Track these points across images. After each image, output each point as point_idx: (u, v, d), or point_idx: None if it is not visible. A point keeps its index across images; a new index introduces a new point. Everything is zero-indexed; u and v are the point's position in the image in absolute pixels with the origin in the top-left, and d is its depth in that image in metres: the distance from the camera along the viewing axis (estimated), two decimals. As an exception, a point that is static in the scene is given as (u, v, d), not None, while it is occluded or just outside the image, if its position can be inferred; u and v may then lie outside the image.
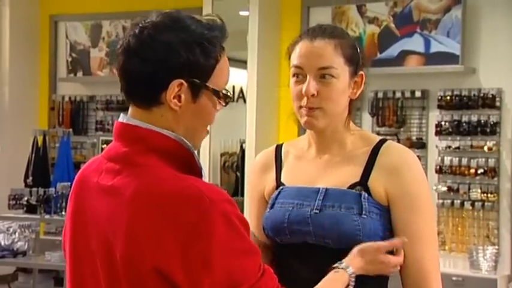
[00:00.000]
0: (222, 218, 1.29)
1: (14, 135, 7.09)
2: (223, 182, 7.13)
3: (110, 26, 7.10)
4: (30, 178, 6.13)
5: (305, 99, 1.64)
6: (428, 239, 1.62)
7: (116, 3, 7.07)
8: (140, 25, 1.38)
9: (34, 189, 5.67)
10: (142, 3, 6.81)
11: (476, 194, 5.55)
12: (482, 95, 5.55)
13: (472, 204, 5.56)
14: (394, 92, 5.87)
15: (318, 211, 1.61)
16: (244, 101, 6.47)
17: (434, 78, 5.73)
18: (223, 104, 1.43)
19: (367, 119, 5.98)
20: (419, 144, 5.79)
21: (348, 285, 1.54)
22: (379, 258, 1.56)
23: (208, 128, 1.45)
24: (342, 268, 1.54)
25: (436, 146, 5.71)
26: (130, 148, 1.38)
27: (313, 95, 1.63)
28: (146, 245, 1.30)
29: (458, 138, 5.62)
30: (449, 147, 5.65)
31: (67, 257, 1.47)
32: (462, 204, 5.60)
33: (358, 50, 1.70)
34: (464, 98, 5.59)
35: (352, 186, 1.63)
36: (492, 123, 5.52)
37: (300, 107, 1.66)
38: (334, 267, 1.54)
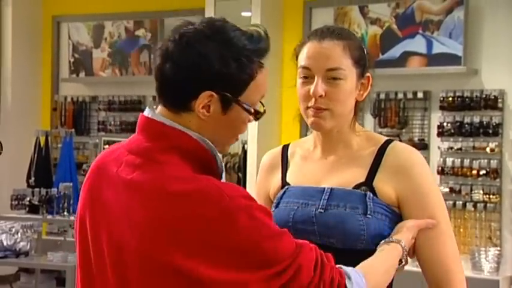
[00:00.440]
0: (243, 212, 1.30)
1: (17, 135, 7.09)
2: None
3: (112, 27, 7.10)
4: (33, 178, 6.14)
5: (313, 100, 1.63)
6: (445, 234, 1.63)
7: (118, 4, 7.07)
8: (182, 31, 1.38)
9: (36, 189, 5.68)
10: (144, 4, 6.82)
11: (478, 195, 5.55)
12: (484, 96, 5.55)
13: (474, 206, 5.56)
14: (396, 93, 5.87)
15: (322, 210, 1.61)
16: (247, 102, 6.47)
17: (437, 79, 5.73)
18: (255, 119, 1.43)
19: (369, 120, 5.98)
20: (421, 146, 5.78)
21: (401, 259, 1.55)
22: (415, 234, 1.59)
23: (238, 136, 1.45)
24: (394, 241, 1.55)
25: (438, 147, 5.71)
26: (153, 143, 1.37)
27: (321, 96, 1.62)
28: (162, 242, 1.30)
29: (460, 139, 5.62)
30: (452, 148, 5.64)
31: (76, 243, 1.47)
32: (464, 205, 5.60)
33: (365, 52, 1.70)
34: (467, 99, 5.59)
35: (357, 186, 1.63)
36: (494, 124, 5.52)
37: (307, 107, 1.65)
38: (386, 241, 1.56)
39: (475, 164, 5.55)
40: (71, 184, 5.69)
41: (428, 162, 5.66)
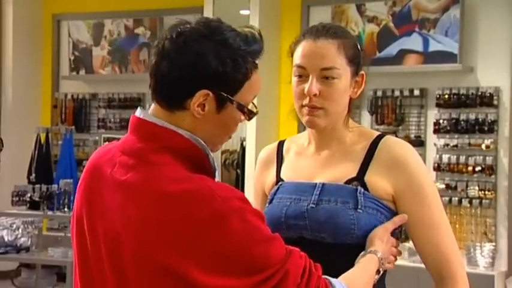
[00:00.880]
0: (235, 215, 1.29)
1: (18, 132, 7.09)
2: (224, 179, 7.13)
3: (111, 25, 7.09)
4: (33, 175, 6.14)
5: (307, 98, 1.63)
6: (442, 225, 1.64)
7: (117, 2, 7.07)
8: (178, 29, 1.37)
9: (37, 186, 5.68)
10: (144, 3, 6.81)
11: (473, 191, 5.56)
12: (480, 93, 5.56)
13: (470, 202, 5.57)
14: (393, 91, 5.87)
15: (314, 205, 1.61)
16: (245, 99, 6.47)
17: (433, 77, 5.74)
18: (248, 119, 1.43)
19: (366, 117, 5.98)
20: (418, 142, 5.78)
21: (379, 269, 1.56)
22: (389, 239, 1.60)
23: (231, 135, 1.46)
24: (370, 253, 1.56)
25: (434, 144, 5.72)
26: (145, 144, 1.37)
27: (315, 95, 1.63)
28: (158, 244, 1.29)
29: (456, 136, 5.63)
30: (448, 145, 5.65)
31: (74, 243, 1.46)
32: (460, 201, 5.60)
33: (360, 50, 1.70)
34: (462, 97, 5.60)
35: (349, 181, 1.63)
36: (490, 121, 5.53)
37: (302, 106, 1.66)
38: (362, 254, 1.56)
39: (470, 161, 5.56)
40: (71, 180, 5.68)
41: (424, 158, 5.72)
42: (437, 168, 5.66)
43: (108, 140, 6.40)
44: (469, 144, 5.58)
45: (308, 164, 1.71)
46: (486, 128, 5.52)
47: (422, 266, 1.71)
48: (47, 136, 6.32)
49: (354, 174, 1.63)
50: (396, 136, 5.81)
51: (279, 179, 1.74)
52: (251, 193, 1.81)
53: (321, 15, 6.05)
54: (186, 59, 1.35)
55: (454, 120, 5.61)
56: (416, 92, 5.78)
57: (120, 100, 6.99)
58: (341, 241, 1.58)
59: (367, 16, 5.98)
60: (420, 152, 5.77)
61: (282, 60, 5.76)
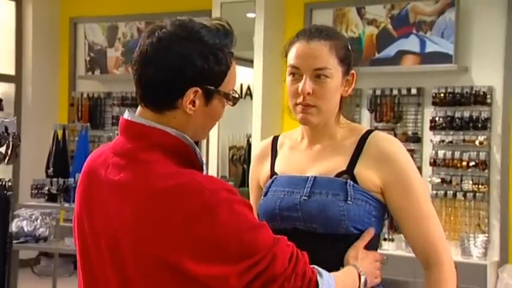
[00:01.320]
0: (223, 205, 1.29)
1: (37, 129, 7.12)
2: (231, 173, 7.13)
3: (125, 28, 7.10)
4: (51, 169, 6.14)
5: (301, 97, 1.64)
6: (429, 215, 1.64)
7: (130, 6, 7.07)
8: (157, 34, 1.36)
9: (54, 179, 5.68)
10: (155, 6, 6.81)
11: (468, 185, 5.54)
12: (474, 92, 5.54)
13: (464, 195, 5.55)
14: (391, 90, 5.85)
15: (306, 198, 1.61)
16: (251, 97, 6.45)
17: (429, 77, 5.71)
18: (232, 105, 1.43)
19: (366, 115, 5.97)
20: (415, 139, 5.78)
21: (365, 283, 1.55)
22: (366, 255, 1.59)
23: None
24: (349, 266, 1.56)
25: (431, 140, 5.70)
26: (134, 144, 1.37)
27: (308, 94, 1.63)
28: (152, 238, 1.29)
29: (451, 133, 5.61)
30: (443, 141, 5.63)
31: (76, 243, 1.47)
32: (455, 195, 5.59)
33: (350, 50, 1.69)
34: (457, 95, 5.58)
35: (339, 175, 1.63)
36: (483, 119, 5.50)
37: (296, 104, 1.66)
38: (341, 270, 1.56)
39: (465, 156, 5.54)
40: (87, 174, 5.66)
41: (421, 154, 5.71)
42: (433, 163, 5.64)
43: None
44: (464, 140, 5.56)
45: (301, 158, 1.71)
46: (480, 125, 5.50)
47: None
48: (63, 133, 6.32)
49: (344, 167, 1.63)
50: (395, 133, 5.84)
51: (273, 172, 1.74)
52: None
53: (323, 18, 6.04)
54: (171, 62, 1.34)
55: (449, 118, 5.59)
56: (414, 91, 5.76)
57: (133, 99, 6.99)
58: (332, 231, 1.58)
59: (366, 19, 5.96)
60: (417, 148, 5.76)
61: (285, 60, 5.73)
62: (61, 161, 6.24)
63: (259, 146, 1.84)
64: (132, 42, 7.02)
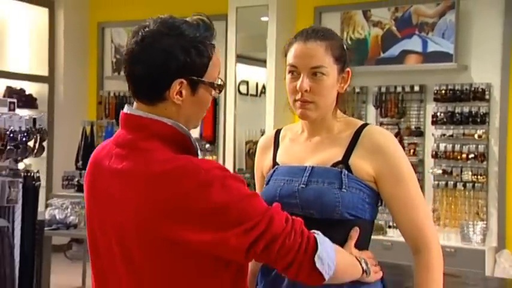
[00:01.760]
0: (217, 181, 1.31)
1: (68, 125, 7.19)
2: (248, 166, 7.14)
3: (148, 31, 7.13)
4: (80, 162, 6.21)
5: (299, 94, 1.65)
6: (418, 202, 1.63)
7: (153, 12, 6.98)
8: (141, 34, 1.37)
9: (83, 171, 5.75)
10: (174, 11, 6.83)
11: (467, 176, 5.53)
12: (473, 89, 5.51)
13: (464, 185, 5.54)
14: (395, 87, 5.85)
15: (304, 186, 1.62)
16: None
17: (431, 75, 5.70)
18: (218, 92, 1.44)
19: (371, 111, 5.97)
20: (418, 133, 5.77)
21: (363, 268, 1.54)
22: (359, 254, 1.59)
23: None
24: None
25: (432, 134, 5.69)
26: (134, 135, 1.39)
27: (306, 91, 1.64)
28: (154, 218, 1.31)
29: (452, 127, 5.59)
30: (444, 135, 5.62)
31: (87, 232, 1.50)
32: (455, 185, 5.58)
33: (346, 49, 1.70)
34: (457, 92, 5.56)
35: (335, 165, 1.63)
36: (482, 114, 5.48)
37: (295, 100, 1.67)
38: None
39: (464, 149, 5.52)
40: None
41: (423, 147, 5.71)
42: (435, 155, 5.63)
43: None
44: (463, 134, 5.54)
45: (300, 150, 1.72)
46: (479, 120, 5.47)
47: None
48: (91, 129, 6.39)
49: (339, 158, 1.64)
50: (399, 127, 5.84)
51: (275, 162, 1.75)
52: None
53: (331, 21, 6.05)
54: (155, 59, 1.35)
55: (450, 113, 5.58)
56: (416, 88, 5.74)
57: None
58: (327, 216, 1.59)
59: (372, 21, 5.95)
60: (419, 141, 5.76)
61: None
62: (89, 154, 6.21)
63: (263, 138, 1.85)
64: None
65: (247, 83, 7.12)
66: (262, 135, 6.91)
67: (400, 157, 1.64)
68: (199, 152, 1.42)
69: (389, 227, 5.56)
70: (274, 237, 1.33)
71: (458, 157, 5.53)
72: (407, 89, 5.78)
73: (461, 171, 5.54)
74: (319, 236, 1.41)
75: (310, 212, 1.60)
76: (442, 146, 5.60)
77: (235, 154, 6.56)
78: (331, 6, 6.17)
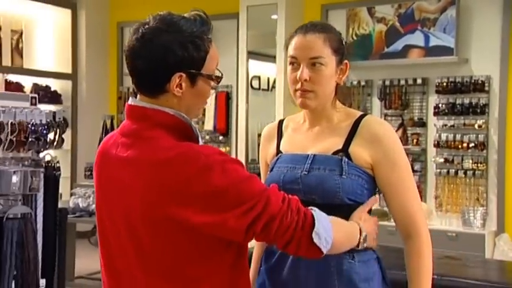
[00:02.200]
0: (217, 165, 1.32)
1: (90, 119, 7.24)
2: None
3: (165, 30, 7.13)
4: (101, 153, 6.23)
5: (299, 83, 1.64)
6: (409, 187, 1.63)
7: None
8: (141, 30, 1.38)
9: (105, 162, 5.77)
10: (188, 10, 6.84)
11: (468, 164, 5.48)
12: (473, 81, 5.46)
13: (465, 173, 5.50)
14: (399, 80, 5.81)
15: (306, 173, 1.62)
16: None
17: (433, 68, 5.65)
18: (217, 83, 1.44)
19: (376, 103, 5.93)
20: (420, 123, 5.73)
21: (359, 242, 1.54)
22: (368, 218, 1.59)
23: (207, 101, 1.48)
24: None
25: (435, 125, 5.64)
26: (139, 125, 1.40)
27: (306, 80, 1.63)
28: (159, 201, 1.32)
29: (453, 117, 5.54)
30: (446, 125, 5.57)
31: (97, 221, 1.49)
32: (456, 173, 5.53)
33: (344, 43, 1.69)
34: (458, 84, 5.50)
35: (335, 153, 1.63)
36: (482, 105, 5.43)
37: (296, 90, 1.66)
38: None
39: (465, 138, 5.47)
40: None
41: (426, 137, 5.67)
42: (437, 145, 5.59)
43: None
44: (464, 124, 5.49)
45: (302, 139, 1.72)
46: (479, 111, 5.43)
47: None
48: (111, 122, 6.40)
49: (340, 146, 1.63)
50: (402, 118, 5.80)
51: (278, 151, 1.75)
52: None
53: (337, 17, 6.01)
54: (155, 54, 1.35)
55: (451, 104, 5.53)
56: (419, 81, 5.70)
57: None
58: (329, 202, 1.59)
59: (376, 17, 5.90)
60: (422, 131, 5.71)
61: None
62: (110, 146, 6.34)
63: (266, 128, 1.84)
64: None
65: (259, 78, 7.10)
66: (272, 127, 6.91)
67: (395, 146, 1.63)
68: (200, 139, 1.42)
69: (394, 213, 5.54)
70: (271, 217, 1.32)
71: (459, 146, 5.49)
72: (410, 81, 5.74)
73: (462, 160, 5.50)
74: (315, 212, 1.40)
75: (312, 197, 1.60)
76: (443, 136, 5.56)
77: (248, 146, 6.56)
78: (337, 3, 6.13)
